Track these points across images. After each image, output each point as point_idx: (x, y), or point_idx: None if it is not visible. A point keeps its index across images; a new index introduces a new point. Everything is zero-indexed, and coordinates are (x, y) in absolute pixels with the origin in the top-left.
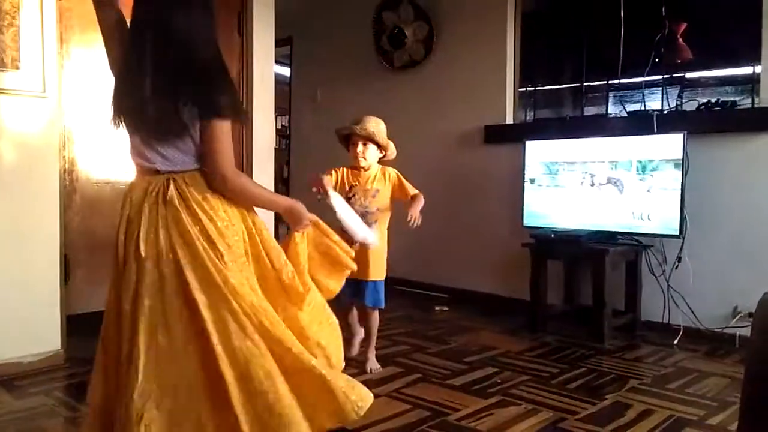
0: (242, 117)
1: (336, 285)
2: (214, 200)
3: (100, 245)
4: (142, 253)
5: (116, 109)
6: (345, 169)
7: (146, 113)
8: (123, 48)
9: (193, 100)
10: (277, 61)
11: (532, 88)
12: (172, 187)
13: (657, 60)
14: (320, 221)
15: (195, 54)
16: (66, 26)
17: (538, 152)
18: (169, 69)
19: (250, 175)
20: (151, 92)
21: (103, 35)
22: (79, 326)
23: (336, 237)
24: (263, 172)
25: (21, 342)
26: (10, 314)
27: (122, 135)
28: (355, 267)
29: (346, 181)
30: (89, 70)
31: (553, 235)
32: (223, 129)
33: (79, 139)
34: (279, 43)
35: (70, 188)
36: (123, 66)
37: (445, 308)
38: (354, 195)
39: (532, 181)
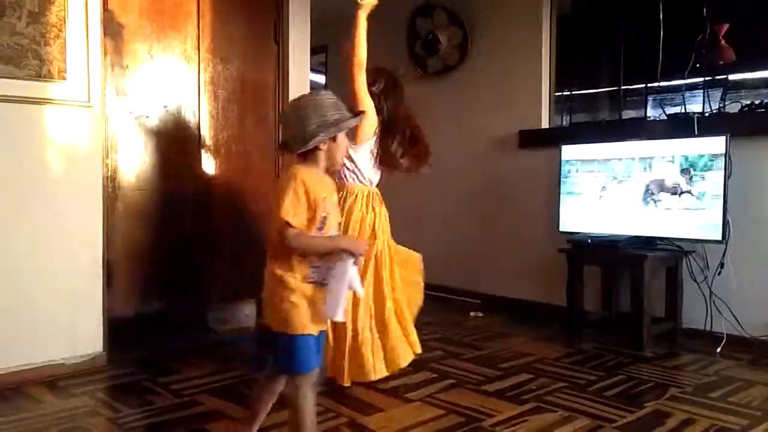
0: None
1: None
2: None
3: (139, 250)
4: None
5: None
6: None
7: None
8: None
9: None
10: (312, 69)
11: (569, 93)
12: None
13: (698, 62)
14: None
15: None
16: (110, 38)
17: (575, 155)
18: None
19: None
20: None
21: None
22: (119, 330)
23: None
24: None
25: (65, 344)
26: (54, 317)
27: (160, 143)
28: None
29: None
30: (131, 80)
31: (589, 241)
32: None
33: (122, 148)
34: (314, 50)
35: (112, 194)
36: None
37: (480, 314)
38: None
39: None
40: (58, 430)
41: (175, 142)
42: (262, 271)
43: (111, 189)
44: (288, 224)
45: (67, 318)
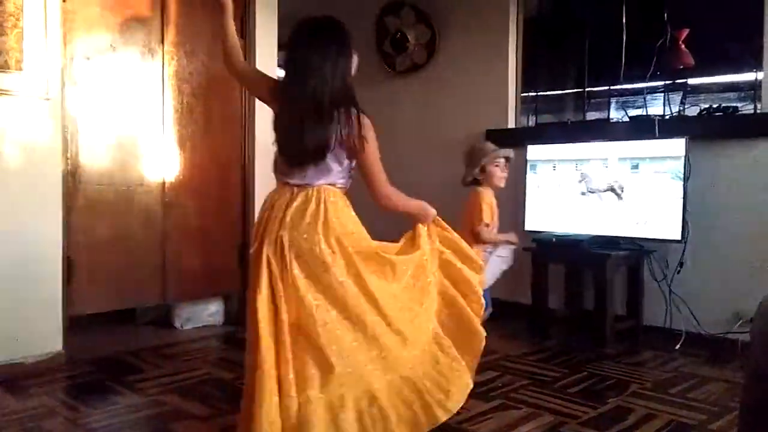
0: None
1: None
2: None
3: (102, 247)
4: None
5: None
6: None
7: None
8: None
9: None
10: (279, 65)
11: (535, 94)
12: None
13: (659, 66)
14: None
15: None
16: (70, 28)
17: (540, 155)
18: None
19: (253, 175)
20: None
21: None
22: (80, 327)
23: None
24: (265, 174)
25: (23, 343)
26: (12, 315)
27: (123, 137)
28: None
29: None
30: (92, 72)
31: (554, 240)
32: None
33: (83, 141)
34: (282, 46)
35: (73, 190)
36: None
37: None
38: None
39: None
40: (17, 430)
41: (138, 135)
42: (228, 267)
43: (71, 184)
44: None
45: (26, 316)
